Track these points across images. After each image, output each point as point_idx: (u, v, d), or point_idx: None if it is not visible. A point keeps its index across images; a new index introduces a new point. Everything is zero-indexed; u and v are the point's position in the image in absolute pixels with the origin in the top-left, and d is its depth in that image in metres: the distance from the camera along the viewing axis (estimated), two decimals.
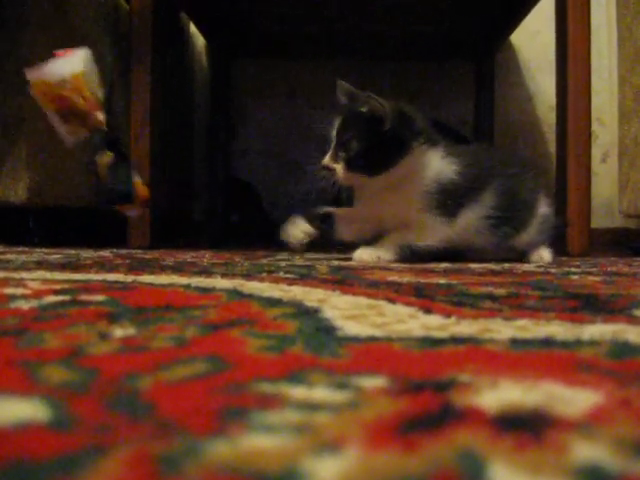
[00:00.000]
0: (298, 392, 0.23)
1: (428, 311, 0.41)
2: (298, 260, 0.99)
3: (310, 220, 1.02)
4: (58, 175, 1.45)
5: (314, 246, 1.06)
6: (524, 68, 2.16)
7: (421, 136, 0.99)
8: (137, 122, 1.45)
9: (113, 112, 1.23)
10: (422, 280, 0.64)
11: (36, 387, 0.23)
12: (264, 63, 2.21)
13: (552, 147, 1.80)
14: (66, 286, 0.53)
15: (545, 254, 1.10)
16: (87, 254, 1.06)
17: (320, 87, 2.11)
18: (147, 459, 0.16)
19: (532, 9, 1.72)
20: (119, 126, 1.18)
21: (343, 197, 1.09)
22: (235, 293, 0.50)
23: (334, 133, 1.00)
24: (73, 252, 1.13)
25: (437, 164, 1.00)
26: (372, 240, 1.03)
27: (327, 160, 0.99)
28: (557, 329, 0.35)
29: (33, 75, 1.00)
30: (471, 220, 1.01)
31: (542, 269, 0.87)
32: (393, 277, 0.67)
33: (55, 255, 1.02)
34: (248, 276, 0.65)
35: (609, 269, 0.87)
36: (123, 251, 1.23)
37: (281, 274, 0.68)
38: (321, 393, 0.22)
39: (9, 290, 0.50)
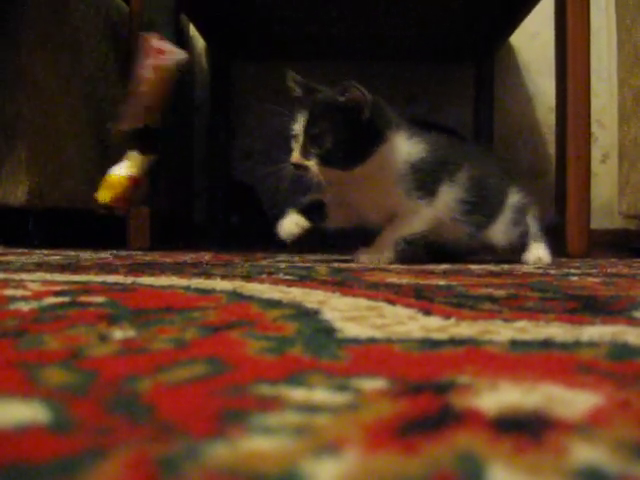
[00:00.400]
0: (298, 394, 0.23)
1: (428, 313, 0.41)
2: (298, 262, 0.99)
3: (302, 212, 1.01)
4: (58, 177, 1.45)
5: (310, 241, 1.05)
6: (524, 70, 2.16)
7: (392, 123, 0.98)
8: None
9: None
10: (421, 282, 0.64)
11: (36, 389, 0.23)
12: (264, 64, 2.21)
13: (552, 149, 1.80)
14: (66, 288, 0.53)
15: (543, 254, 1.09)
16: (87, 256, 1.06)
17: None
18: (147, 461, 0.16)
19: (531, 10, 1.72)
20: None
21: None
22: (235, 295, 0.50)
23: (298, 128, 0.96)
24: (73, 254, 1.13)
25: (405, 146, 0.98)
26: (363, 232, 1.03)
27: (297, 157, 0.95)
28: (556, 331, 0.35)
29: (169, 51, 1.02)
30: (448, 200, 1.00)
31: (542, 270, 0.87)
32: (392, 279, 0.67)
33: (55, 257, 1.02)
34: (248, 278, 0.65)
35: (609, 270, 0.87)
36: (123, 253, 1.23)
37: (281, 275, 0.68)
38: (321, 395, 0.22)
39: (9, 292, 0.50)
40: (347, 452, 0.17)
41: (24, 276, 0.63)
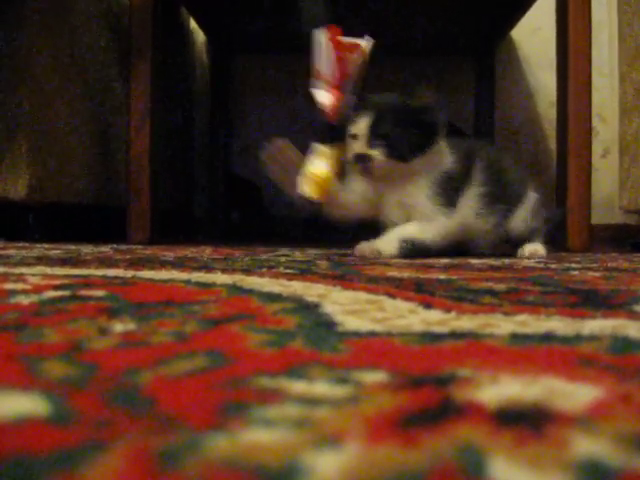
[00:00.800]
0: (298, 387, 0.22)
1: (428, 306, 0.41)
2: (298, 256, 0.99)
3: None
4: (58, 171, 1.45)
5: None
6: (525, 64, 2.16)
7: (444, 128, 1.03)
8: (137, 117, 1.45)
9: None
10: (422, 275, 0.64)
11: (36, 382, 0.23)
12: (264, 59, 2.21)
13: (552, 143, 1.80)
14: (66, 281, 0.53)
15: (539, 248, 1.11)
16: (87, 250, 1.06)
17: None
18: (147, 454, 0.16)
19: (532, 5, 1.72)
20: None
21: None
22: (235, 288, 0.50)
23: (361, 128, 1.00)
24: (73, 248, 1.13)
25: (444, 154, 1.04)
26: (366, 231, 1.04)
27: (361, 148, 1.00)
28: (557, 324, 0.34)
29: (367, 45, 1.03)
30: (469, 203, 1.04)
31: (542, 265, 0.87)
32: (393, 272, 0.67)
33: (55, 251, 1.02)
34: (248, 271, 0.65)
35: (609, 265, 0.87)
36: (123, 247, 1.23)
37: (281, 269, 0.68)
38: (321, 388, 0.22)
39: (9, 285, 0.50)
40: (347, 445, 0.17)
41: (24, 270, 0.63)
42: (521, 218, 1.11)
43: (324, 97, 1.04)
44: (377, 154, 0.99)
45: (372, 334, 0.32)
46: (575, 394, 0.21)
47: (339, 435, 0.18)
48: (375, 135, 0.99)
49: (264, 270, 0.67)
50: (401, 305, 0.42)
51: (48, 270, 0.64)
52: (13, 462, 0.16)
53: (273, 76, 2.22)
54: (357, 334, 0.32)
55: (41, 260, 0.78)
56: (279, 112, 2.22)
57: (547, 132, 2.11)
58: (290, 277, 0.59)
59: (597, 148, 2.05)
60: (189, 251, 1.09)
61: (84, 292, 0.47)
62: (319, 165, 1.04)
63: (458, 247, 1.08)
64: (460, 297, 0.46)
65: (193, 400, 0.21)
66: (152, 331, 0.33)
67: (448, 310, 0.39)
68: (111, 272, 0.63)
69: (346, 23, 1.05)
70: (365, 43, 1.04)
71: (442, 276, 0.64)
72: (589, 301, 0.46)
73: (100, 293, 0.46)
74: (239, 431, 0.18)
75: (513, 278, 0.63)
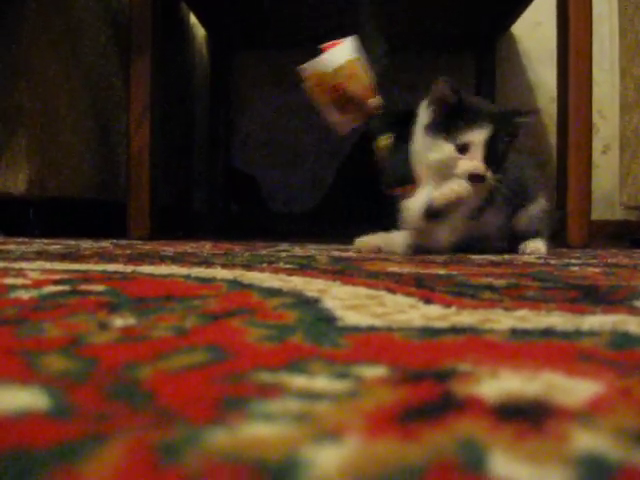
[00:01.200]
0: (298, 381, 0.22)
1: (428, 301, 0.41)
2: (298, 251, 0.99)
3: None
4: (58, 166, 1.45)
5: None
6: (525, 59, 2.15)
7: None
8: (137, 112, 1.45)
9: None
10: (422, 271, 0.64)
11: (35, 376, 0.23)
12: (264, 53, 2.21)
13: (553, 139, 1.80)
14: (66, 276, 0.53)
15: (541, 245, 1.10)
16: (87, 245, 1.06)
17: None
18: (146, 447, 0.16)
19: (533, 0, 1.72)
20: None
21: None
22: (235, 283, 0.50)
23: (478, 139, 0.96)
24: (73, 243, 1.13)
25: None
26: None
27: (483, 167, 0.96)
28: (557, 320, 0.34)
29: (307, 70, 1.01)
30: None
31: (542, 260, 0.87)
32: (393, 268, 0.67)
33: (55, 246, 1.02)
34: (248, 266, 0.65)
35: (609, 261, 0.87)
36: (123, 242, 1.23)
37: (281, 264, 0.68)
38: (321, 382, 0.22)
39: (9, 280, 0.50)
40: (347, 439, 0.17)
41: (24, 265, 0.63)
42: (527, 216, 1.11)
43: (329, 116, 1.04)
44: (489, 174, 0.96)
45: (372, 329, 0.32)
46: (575, 389, 0.21)
47: (339, 429, 0.18)
48: (491, 151, 0.96)
49: (264, 265, 0.67)
50: (401, 300, 0.42)
51: (48, 265, 0.64)
52: (13, 455, 0.16)
53: (273, 71, 2.22)
54: (357, 329, 0.32)
55: (41, 255, 0.78)
56: (278, 106, 2.21)
57: (548, 127, 2.10)
58: (290, 272, 0.59)
59: (597, 144, 2.05)
60: (189, 246, 1.09)
61: (84, 287, 0.47)
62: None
63: (472, 244, 1.07)
64: (460, 292, 0.46)
65: (193, 394, 0.21)
66: (152, 326, 0.33)
67: (448, 305, 0.39)
68: (111, 267, 0.63)
69: (345, 18, 1.04)
70: (344, 44, 1.03)
71: (442, 271, 0.64)
72: (589, 297, 0.46)
73: (100, 288, 0.46)
74: (239, 425, 0.18)
75: (513, 274, 0.63)
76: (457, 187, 0.93)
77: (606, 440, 0.17)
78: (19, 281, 0.49)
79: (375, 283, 0.51)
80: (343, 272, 0.61)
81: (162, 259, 0.74)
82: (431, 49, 2.16)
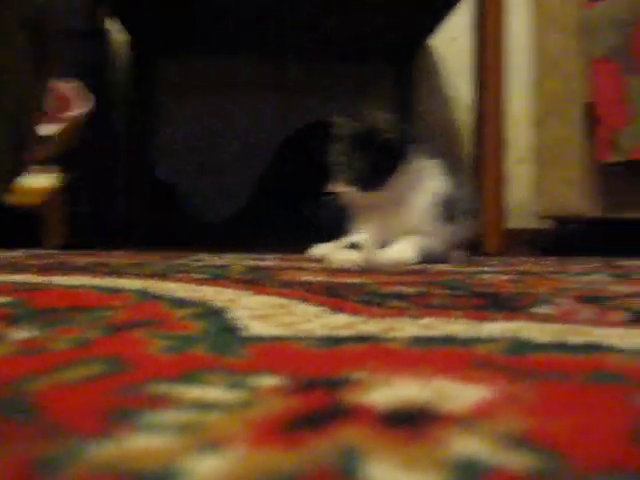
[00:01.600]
0: (193, 392, 0.22)
1: (337, 310, 0.41)
2: (215, 260, 0.98)
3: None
4: None
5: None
6: (443, 72, 2.20)
7: (414, 144, 1.03)
8: None
9: None
10: (335, 280, 0.65)
11: None
12: (186, 60, 2.19)
13: (469, 149, 1.84)
14: None
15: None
16: None
17: (239, 84, 2.11)
18: (24, 462, 0.16)
19: (449, 16, 1.76)
20: None
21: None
22: (145, 294, 0.49)
23: (331, 160, 1.00)
24: None
25: (437, 179, 1.03)
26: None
27: (339, 185, 0.99)
28: (460, 327, 0.35)
29: None
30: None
31: (455, 269, 0.89)
32: (307, 277, 0.67)
33: None
34: (161, 276, 0.64)
35: (519, 268, 0.90)
36: (36, 252, 1.20)
37: (193, 275, 0.67)
38: (215, 393, 0.22)
39: None
40: (230, 449, 0.17)
41: None
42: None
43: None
44: (352, 190, 0.99)
45: (276, 339, 0.32)
46: (462, 395, 0.22)
47: (225, 439, 0.18)
48: (344, 165, 0.99)
49: (177, 275, 0.66)
50: (310, 309, 0.42)
51: None
52: None
53: (194, 77, 2.20)
54: (260, 339, 0.32)
55: None
56: (200, 115, 2.20)
57: (464, 138, 2.15)
58: (202, 282, 0.58)
59: (513, 155, 2.10)
60: (104, 256, 1.06)
61: None
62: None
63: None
64: (369, 301, 0.47)
65: (84, 407, 0.21)
66: (55, 337, 0.32)
67: (356, 314, 0.40)
68: (20, 277, 0.62)
69: (259, 26, 1.05)
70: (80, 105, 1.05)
71: (355, 280, 0.65)
72: (494, 304, 0.47)
73: (3, 300, 0.45)
74: (126, 437, 0.18)
75: (424, 282, 0.64)
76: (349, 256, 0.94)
77: (484, 444, 0.17)
78: None
79: (287, 292, 0.51)
80: (256, 281, 0.61)
81: (75, 269, 0.73)
82: (349, 59, 2.18)
